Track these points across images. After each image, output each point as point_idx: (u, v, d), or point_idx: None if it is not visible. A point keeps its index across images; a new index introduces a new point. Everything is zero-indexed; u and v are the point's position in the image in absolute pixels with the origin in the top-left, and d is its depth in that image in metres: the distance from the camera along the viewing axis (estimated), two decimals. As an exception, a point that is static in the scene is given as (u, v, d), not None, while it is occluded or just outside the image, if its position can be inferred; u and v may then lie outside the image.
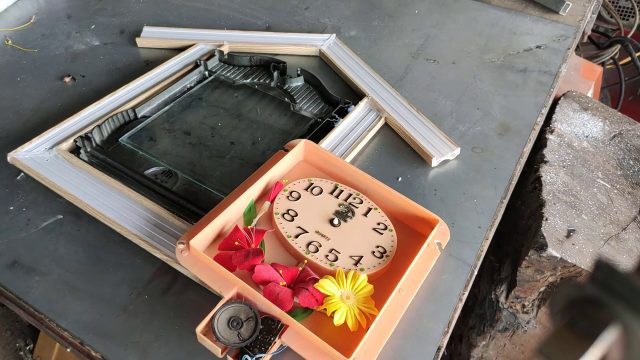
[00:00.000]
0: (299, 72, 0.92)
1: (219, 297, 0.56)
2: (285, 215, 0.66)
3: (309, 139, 0.78)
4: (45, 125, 0.80)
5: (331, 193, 0.70)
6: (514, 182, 0.78)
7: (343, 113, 0.84)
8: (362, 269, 0.61)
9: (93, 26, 1.06)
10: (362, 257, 0.62)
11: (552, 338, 0.25)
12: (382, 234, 0.65)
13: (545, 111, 0.90)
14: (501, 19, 1.11)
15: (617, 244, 0.79)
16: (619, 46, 1.57)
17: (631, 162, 0.94)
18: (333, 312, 0.56)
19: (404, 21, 1.10)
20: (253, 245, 0.61)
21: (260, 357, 0.52)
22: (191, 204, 0.71)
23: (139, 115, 0.84)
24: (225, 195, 0.70)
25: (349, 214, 0.67)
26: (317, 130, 0.81)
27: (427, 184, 0.76)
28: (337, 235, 0.64)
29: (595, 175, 0.89)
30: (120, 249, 0.66)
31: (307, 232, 0.64)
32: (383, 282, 0.60)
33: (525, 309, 0.87)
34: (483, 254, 0.68)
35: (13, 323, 1.12)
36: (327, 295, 0.57)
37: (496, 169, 0.79)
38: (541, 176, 0.86)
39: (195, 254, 0.59)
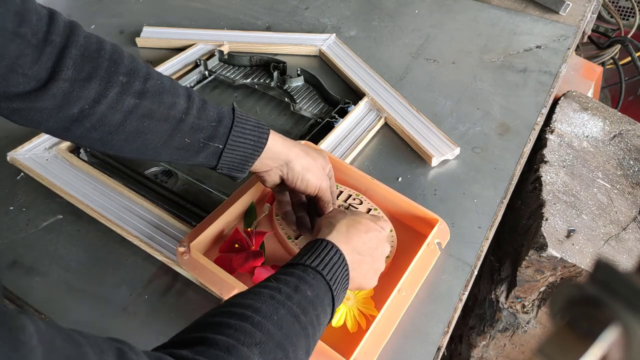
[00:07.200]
0: (299, 72, 0.91)
1: (219, 298, 0.56)
2: (285, 216, 0.66)
3: (308, 138, 0.78)
4: (45, 125, 0.80)
5: (331, 193, 0.69)
6: (514, 182, 0.78)
7: (343, 113, 0.84)
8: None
9: (93, 26, 1.06)
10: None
11: (552, 338, 0.25)
12: (382, 234, 0.65)
13: (545, 111, 0.90)
14: (501, 19, 1.11)
15: (617, 244, 0.79)
16: (619, 46, 1.57)
17: (631, 162, 0.94)
18: (333, 313, 0.56)
19: (404, 21, 1.10)
20: (253, 247, 0.61)
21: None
22: (191, 204, 0.71)
23: (139, 116, 0.84)
24: (225, 196, 0.70)
25: (349, 214, 0.67)
26: (317, 130, 0.81)
27: (427, 184, 0.76)
28: (337, 236, 0.64)
29: (595, 175, 0.89)
30: (120, 248, 0.66)
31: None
32: (383, 283, 0.60)
33: (525, 309, 0.87)
34: (483, 254, 0.68)
35: (13, 323, 1.12)
36: (327, 296, 0.57)
37: (496, 169, 0.79)
38: (541, 176, 0.86)
39: (196, 257, 0.59)
